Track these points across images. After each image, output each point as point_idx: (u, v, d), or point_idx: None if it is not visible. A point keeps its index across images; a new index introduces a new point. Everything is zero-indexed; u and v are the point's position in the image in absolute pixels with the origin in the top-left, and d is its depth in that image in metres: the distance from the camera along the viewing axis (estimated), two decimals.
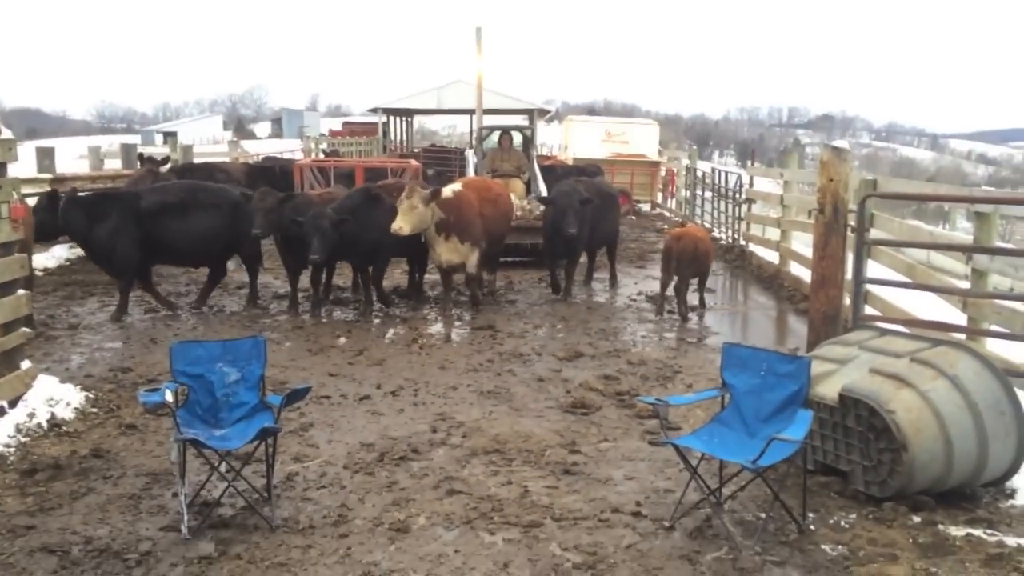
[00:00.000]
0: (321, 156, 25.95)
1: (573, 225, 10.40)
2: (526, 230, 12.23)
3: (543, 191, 13.50)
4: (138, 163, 15.45)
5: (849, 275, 7.24)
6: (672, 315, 10.33)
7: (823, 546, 4.53)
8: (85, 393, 6.75)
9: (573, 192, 10.87)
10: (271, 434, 4.82)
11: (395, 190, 10.49)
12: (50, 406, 6.28)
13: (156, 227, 9.70)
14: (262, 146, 43.02)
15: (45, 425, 6.08)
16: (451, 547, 4.49)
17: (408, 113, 37.85)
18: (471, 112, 27.62)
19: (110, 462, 5.58)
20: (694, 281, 10.53)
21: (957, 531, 4.67)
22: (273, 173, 16.61)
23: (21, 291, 6.45)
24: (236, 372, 5.12)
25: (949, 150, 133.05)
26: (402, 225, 9.20)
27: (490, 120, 20.24)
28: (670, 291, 10.27)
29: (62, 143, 29.49)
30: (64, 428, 6.12)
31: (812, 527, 4.74)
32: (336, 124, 54.95)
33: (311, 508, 4.95)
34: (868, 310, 7.65)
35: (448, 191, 9.86)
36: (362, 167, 15.90)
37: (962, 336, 6.45)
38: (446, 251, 9.74)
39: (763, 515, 4.74)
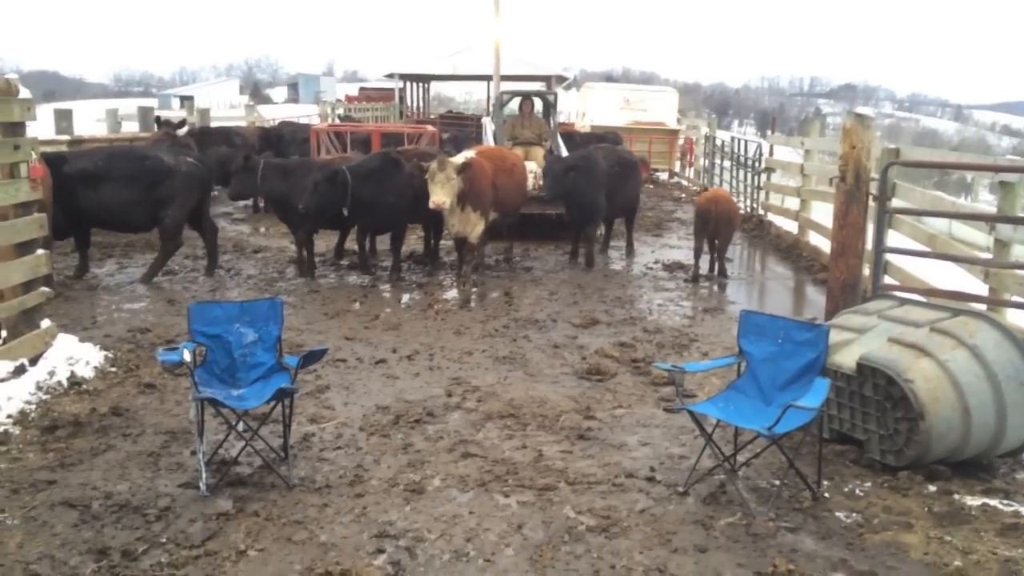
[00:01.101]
0: (336, 121, 25.87)
1: (548, 190, 10.49)
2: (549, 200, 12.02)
3: None
4: (155, 126, 15.48)
5: (869, 244, 7.17)
6: (688, 283, 10.31)
7: (837, 513, 4.54)
8: (104, 352, 6.81)
9: (559, 159, 10.85)
10: (288, 395, 4.85)
11: (413, 156, 10.45)
12: (70, 364, 6.35)
13: (75, 192, 9.31)
14: (278, 111, 42.93)
15: (65, 383, 6.15)
16: (465, 508, 4.53)
17: (425, 79, 37.62)
18: (488, 78, 27.40)
19: (129, 420, 5.65)
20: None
21: (973, 501, 4.66)
22: (283, 138, 16.63)
23: (40, 251, 6.50)
24: (253, 333, 5.15)
25: (973, 121, 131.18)
26: (444, 199, 8.92)
27: (507, 87, 19.93)
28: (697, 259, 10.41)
29: (80, 106, 29.52)
30: (84, 386, 6.19)
31: (826, 495, 4.74)
32: (352, 89, 54.76)
33: (327, 468, 4.99)
34: (888, 280, 7.59)
35: (461, 159, 9.56)
36: (379, 133, 15.85)
37: (983, 306, 6.38)
38: (460, 221, 9.51)
39: (777, 482, 4.74)
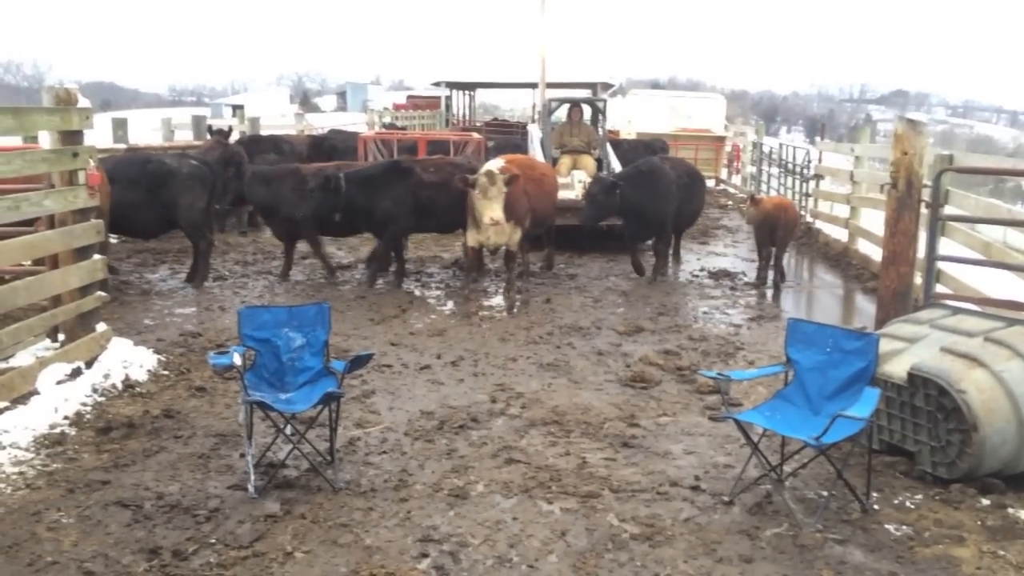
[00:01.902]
0: (382, 129, 26.13)
1: (585, 216, 10.26)
2: (567, 210, 11.30)
3: (616, 168, 12.89)
4: (208, 135, 15.82)
5: (921, 252, 7.03)
6: (735, 291, 10.23)
7: (887, 526, 4.45)
8: (157, 356, 6.97)
9: (598, 180, 10.52)
10: (335, 399, 4.91)
11: (432, 165, 10.40)
12: (124, 367, 6.50)
13: None
14: (327, 119, 43.52)
15: (120, 386, 6.30)
16: (509, 514, 4.54)
17: (470, 87, 37.83)
18: (533, 86, 27.46)
19: (181, 422, 5.77)
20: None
21: None
22: (330, 145, 16.91)
23: (97, 256, 6.67)
24: (301, 337, 5.23)
25: None
26: (501, 215, 8.71)
27: (552, 94, 19.84)
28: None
29: (135, 115, 30.30)
30: (137, 389, 6.34)
31: (876, 507, 4.65)
32: (399, 97, 55.21)
33: (373, 472, 5.04)
34: (940, 288, 7.43)
35: (496, 168, 9.11)
36: (425, 140, 15.96)
37: None
38: (495, 232, 9.11)
39: (825, 493, 4.67)
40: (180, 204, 9.72)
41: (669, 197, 10.56)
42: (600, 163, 13.38)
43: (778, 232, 10.24)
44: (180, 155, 10.78)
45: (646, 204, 10.33)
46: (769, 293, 10.27)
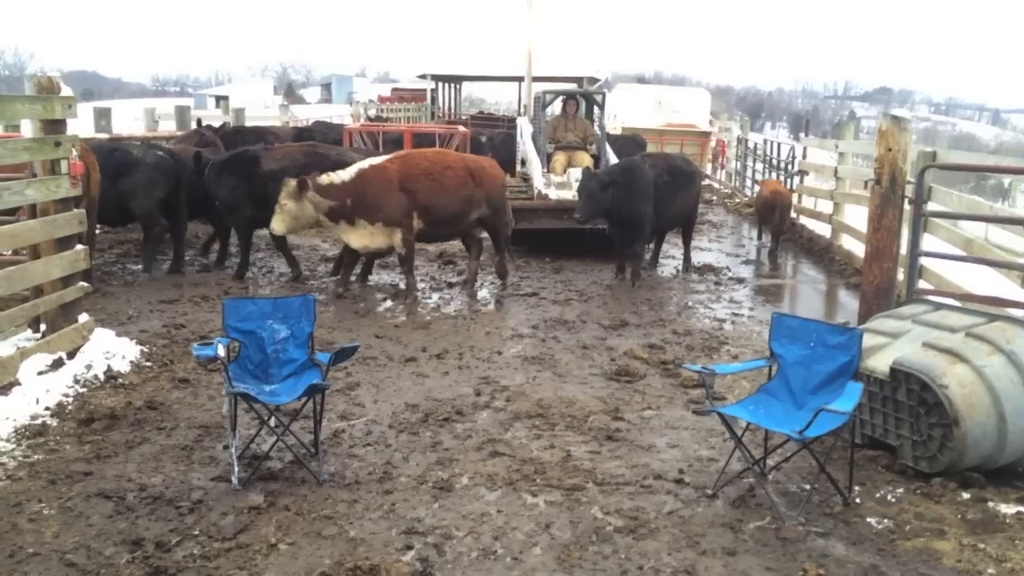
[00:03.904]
0: (367, 121, 25.99)
1: (582, 211, 9.73)
2: (564, 211, 10.89)
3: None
4: (198, 126, 15.77)
5: (904, 248, 7.09)
6: (719, 286, 10.27)
7: (868, 519, 4.49)
8: (140, 347, 6.92)
9: (592, 175, 9.99)
10: (319, 391, 4.89)
11: (282, 153, 10.24)
12: (107, 359, 6.46)
13: None
14: (311, 111, 43.27)
15: (102, 377, 6.26)
16: (493, 507, 4.54)
17: (456, 80, 37.74)
18: (520, 79, 27.39)
19: (164, 414, 5.74)
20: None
21: (1007, 509, 4.59)
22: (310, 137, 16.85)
23: (79, 246, 6.61)
24: (286, 329, 5.21)
25: (1011, 125, 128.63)
26: (274, 226, 8.87)
27: (539, 88, 19.68)
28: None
29: (118, 105, 29.99)
30: (120, 380, 6.30)
31: (858, 500, 4.69)
32: (384, 90, 55.02)
33: (357, 464, 5.04)
34: (922, 284, 7.49)
35: (346, 174, 8.76)
36: (410, 133, 15.93)
37: (1020, 312, 6.28)
38: (357, 237, 8.89)
39: (808, 487, 4.70)
40: (139, 192, 9.84)
41: (646, 198, 10.05)
42: (597, 160, 12.62)
43: (775, 214, 12.01)
44: (148, 145, 10.80)
45: (624, 205, 9.89)
46: (752, 287, 10.32)
